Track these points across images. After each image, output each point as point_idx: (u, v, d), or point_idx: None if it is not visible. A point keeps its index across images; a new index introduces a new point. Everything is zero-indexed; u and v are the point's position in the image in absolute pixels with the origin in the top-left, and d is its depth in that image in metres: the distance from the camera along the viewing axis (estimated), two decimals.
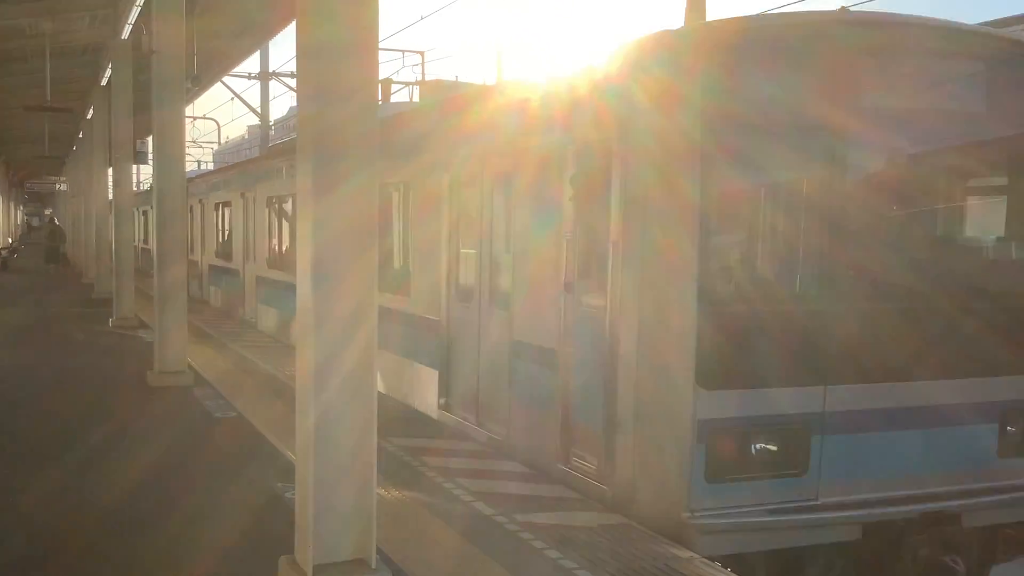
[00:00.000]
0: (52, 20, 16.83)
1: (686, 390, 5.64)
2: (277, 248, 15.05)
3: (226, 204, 18.70)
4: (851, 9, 7.84)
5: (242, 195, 17.15)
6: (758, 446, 5.74)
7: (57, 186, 57.05)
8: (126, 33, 16.52)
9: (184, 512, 6.66)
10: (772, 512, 5.76)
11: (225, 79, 32.47)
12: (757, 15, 6.21)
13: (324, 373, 4.85)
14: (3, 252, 36.80)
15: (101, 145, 20.87)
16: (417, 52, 32.59)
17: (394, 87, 32.63)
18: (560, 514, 6.50)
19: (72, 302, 21.92)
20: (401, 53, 32.41)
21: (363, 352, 4.90)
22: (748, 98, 5.60)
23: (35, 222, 78.95)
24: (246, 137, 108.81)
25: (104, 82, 20.54)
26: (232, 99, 43.29)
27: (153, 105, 10.97)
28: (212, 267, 20.15)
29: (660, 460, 5.97)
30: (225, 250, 18.74)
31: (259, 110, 33.10)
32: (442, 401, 9.02)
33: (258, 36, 22.32)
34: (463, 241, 8.41)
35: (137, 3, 14.93)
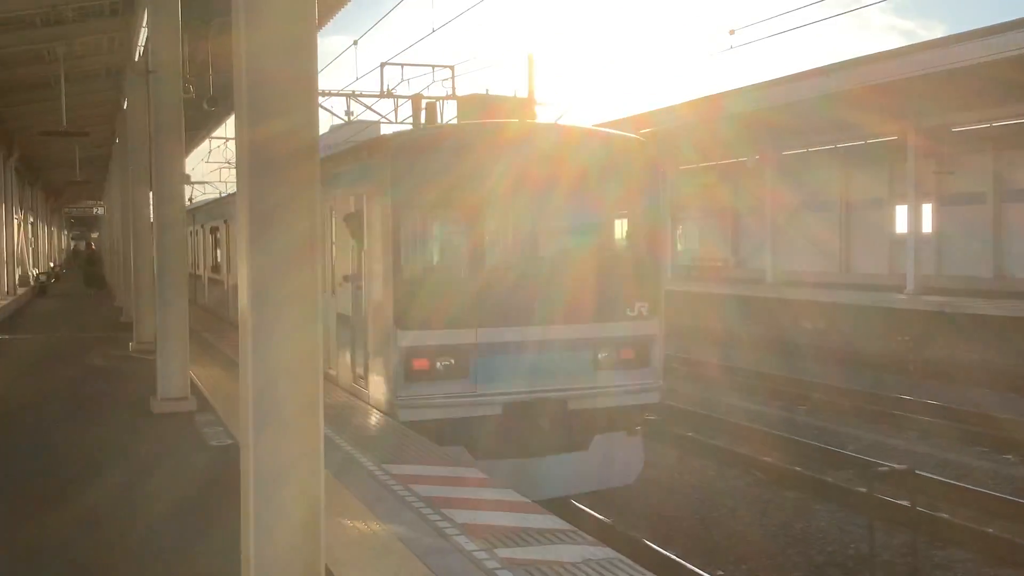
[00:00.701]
0: (67, 44, 16.85)
1: (392, 330, 10.09)
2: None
3: (216, 229, 23.68)
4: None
5: (224, 221, 21.79)
6: (438, 362, 10.12)
7: (95, 211, 57.71)
8: (139, 55, 16.50)
9: (145, 551, 6.40)
10: (446, 397, 10.16)
11: None
12: (428, 130, 11.51)
13: (264, 403, 4.54)
14: (41, 277, 37.21)
15: (127, 169, 20.91)
16: (447, 66, 32.43)
17: (424, 102, 32.56)
18: (545, 548, 6.14)
19: (99, 326, 22.00)
20: (431, 68, 32.29)
21: (306, 382, 4.58)
22: (423, 171, 10.22)
23: (82, 247, 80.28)
24: None
25: (126, 105, 20.61)
26: None
27: (151, 127, 10.82)
28: (209, 279, 25.43)
29: (384, 371, 10.37)
30: (216, 265, 24.02)
31: None
32: None
33: None
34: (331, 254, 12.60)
35: (145, 24, 14.87)
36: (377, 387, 10.61)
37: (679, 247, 35.96)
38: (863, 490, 10.76)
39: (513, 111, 39.59)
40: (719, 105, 27.38)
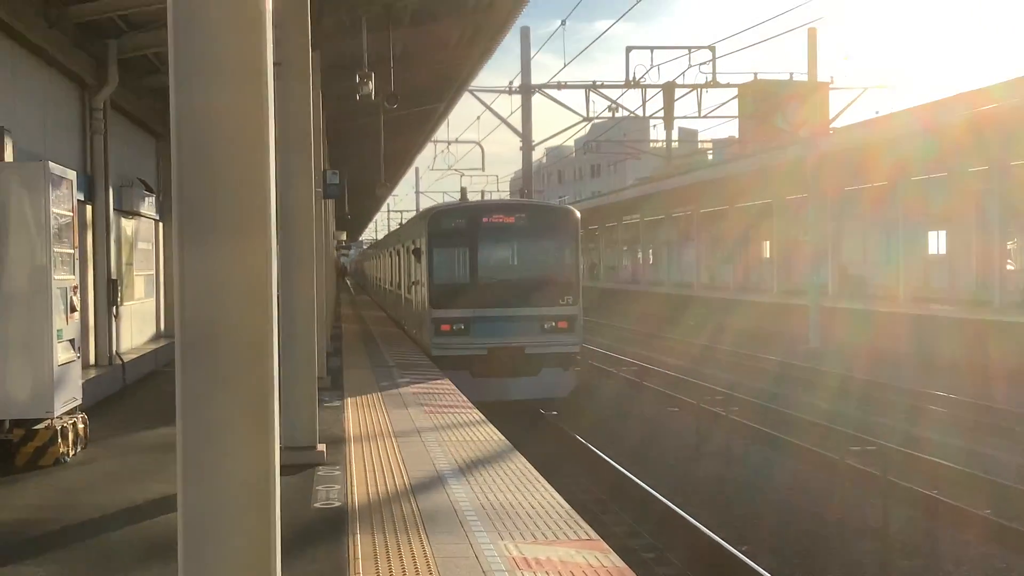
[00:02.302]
0: None
1: (428, 309, 22.87)
2: (393, 272, 36.48)
3: (391, 253, 39.65)
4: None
5: (396, 248, 36.15)
6: (454, 325, 22.30)
7: None
8: None
9: None
10: (458, 343, 22.21)
11: (479, 93, 33.09)
12: (448, 205, 28.29)
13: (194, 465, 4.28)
14: None
15: None
16: (706, 47, 31.72)
17: (678, 91, 31.91)
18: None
19: None
20: (687, 50, 31.60)
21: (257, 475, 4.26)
22: (444, 227, 23.39)
23: None
24: (544, 162, 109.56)
25: None
26: (478, 117, 43.74)
27: (277, 133, 11.03)
28: (373, 283, 49.76)
29: (426, 331, 23.11)
30: (383, 276, 45.14)
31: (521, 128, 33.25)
32: (395, 317, 34.77)
33: (485, 41, 22.54)
34: (404, 270, 29.25)
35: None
36: (423, 338, 23.53)
37: (1010, 266, 33.17)
38: None
39: (806, 96, 38.11)
40: None
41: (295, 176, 11.38)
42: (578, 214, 24.07)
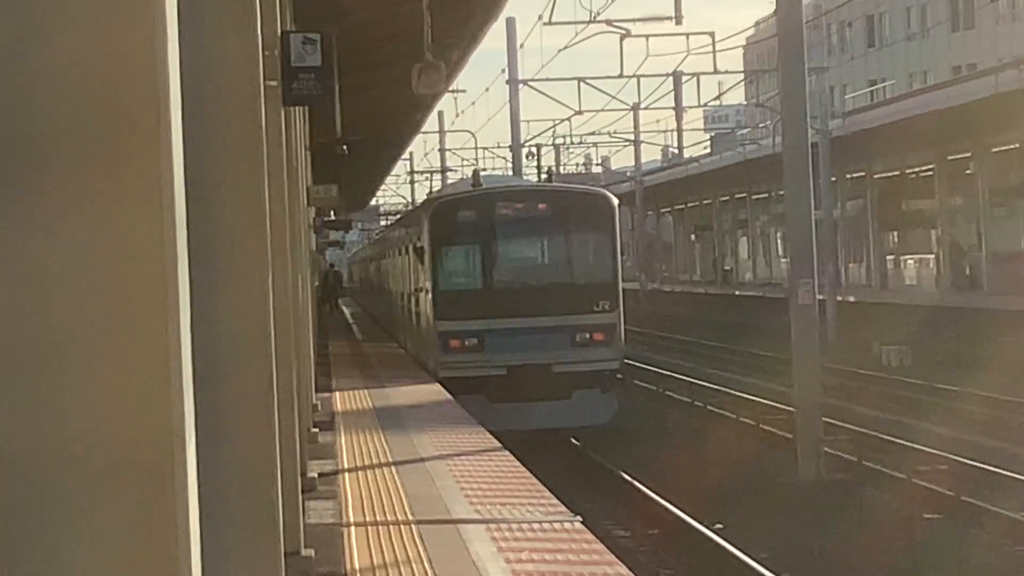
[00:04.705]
0: None
1: (433, 322, 21.57)
2: (388, 272, 35.39)
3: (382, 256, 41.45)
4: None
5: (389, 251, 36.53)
6: (465, 340, 20.78)
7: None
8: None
9: None
10: (471, 362, 20.61)
11: None
12: (453, 194, 26.11)
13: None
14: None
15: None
16: None
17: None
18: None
19: None
20: None
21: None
22: (450, 222, 22.10)
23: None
24: None
25: None
26: None
27: None
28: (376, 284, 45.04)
29: (431, 347, 22.04)
30: (383, 276, 42.09)
31: None
32: (397, 336, 31.99)
33: None
34: (409, 273, 26.46)
35: None
36: (427, 357, 21.90)
37: None
38: None
39: None
40: None
41: (208, 54, 5.43)
42: (615, 200, 21.91)
